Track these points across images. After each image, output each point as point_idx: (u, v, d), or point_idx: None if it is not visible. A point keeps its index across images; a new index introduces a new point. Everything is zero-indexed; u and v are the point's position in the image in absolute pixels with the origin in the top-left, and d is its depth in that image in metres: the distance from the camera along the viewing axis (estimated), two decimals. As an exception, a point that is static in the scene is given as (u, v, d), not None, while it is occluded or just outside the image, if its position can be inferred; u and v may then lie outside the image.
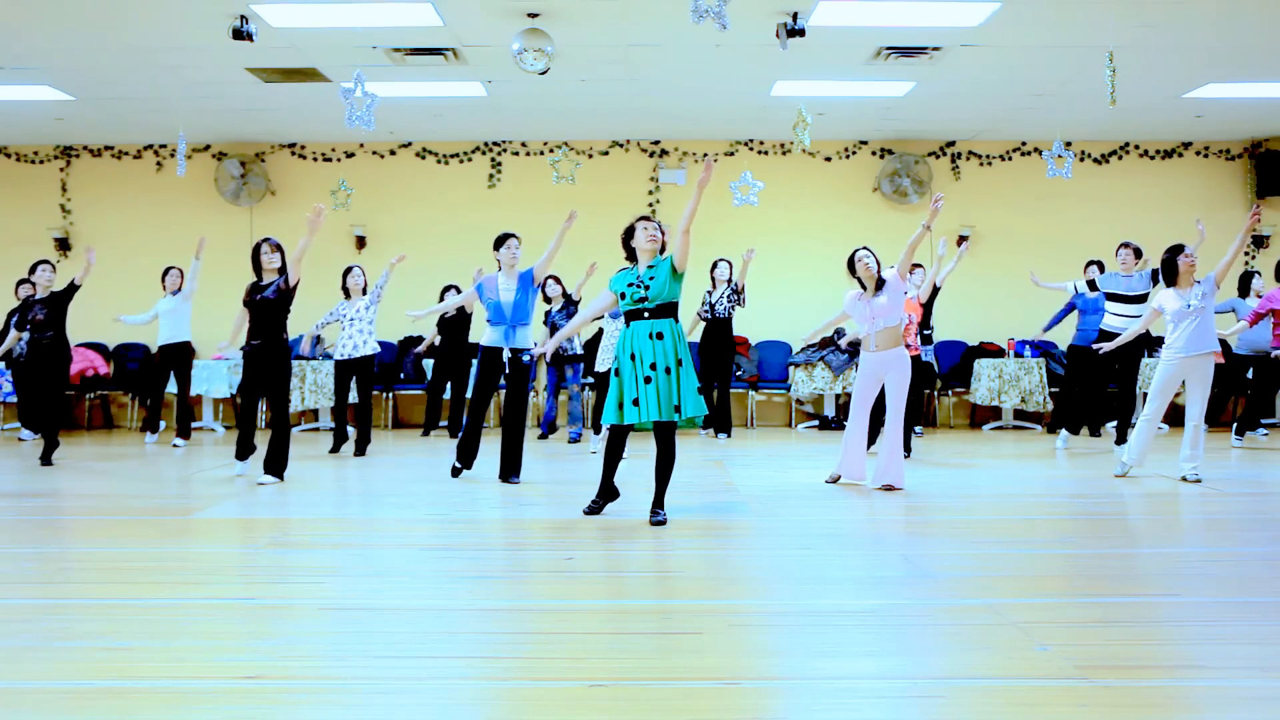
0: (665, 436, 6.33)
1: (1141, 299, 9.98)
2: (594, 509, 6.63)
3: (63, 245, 13.51)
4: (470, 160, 13.64)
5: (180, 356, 11.22)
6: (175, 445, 10.94)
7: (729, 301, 11.60)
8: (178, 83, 10.60)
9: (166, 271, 11.32)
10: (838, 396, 13.13)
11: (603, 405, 10.57)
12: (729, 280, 11.72)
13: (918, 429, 11.51)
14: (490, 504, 7.34)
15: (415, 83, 10.62)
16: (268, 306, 8.16)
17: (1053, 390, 12.88)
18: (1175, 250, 8.08)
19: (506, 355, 8.03)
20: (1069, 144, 13.25)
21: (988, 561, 5.44)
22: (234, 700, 3.38)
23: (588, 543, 5.96)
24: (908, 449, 9.33)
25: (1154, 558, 5.65)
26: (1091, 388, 10.83)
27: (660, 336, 6.23)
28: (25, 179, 13.60)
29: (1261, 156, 13.43)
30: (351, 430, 10.99)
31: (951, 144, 13.62)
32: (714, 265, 11.76)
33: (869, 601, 4.63)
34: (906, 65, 10.16)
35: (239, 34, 8.38)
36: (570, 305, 11.29)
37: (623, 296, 6.33)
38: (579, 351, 11.55)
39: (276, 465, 8.18)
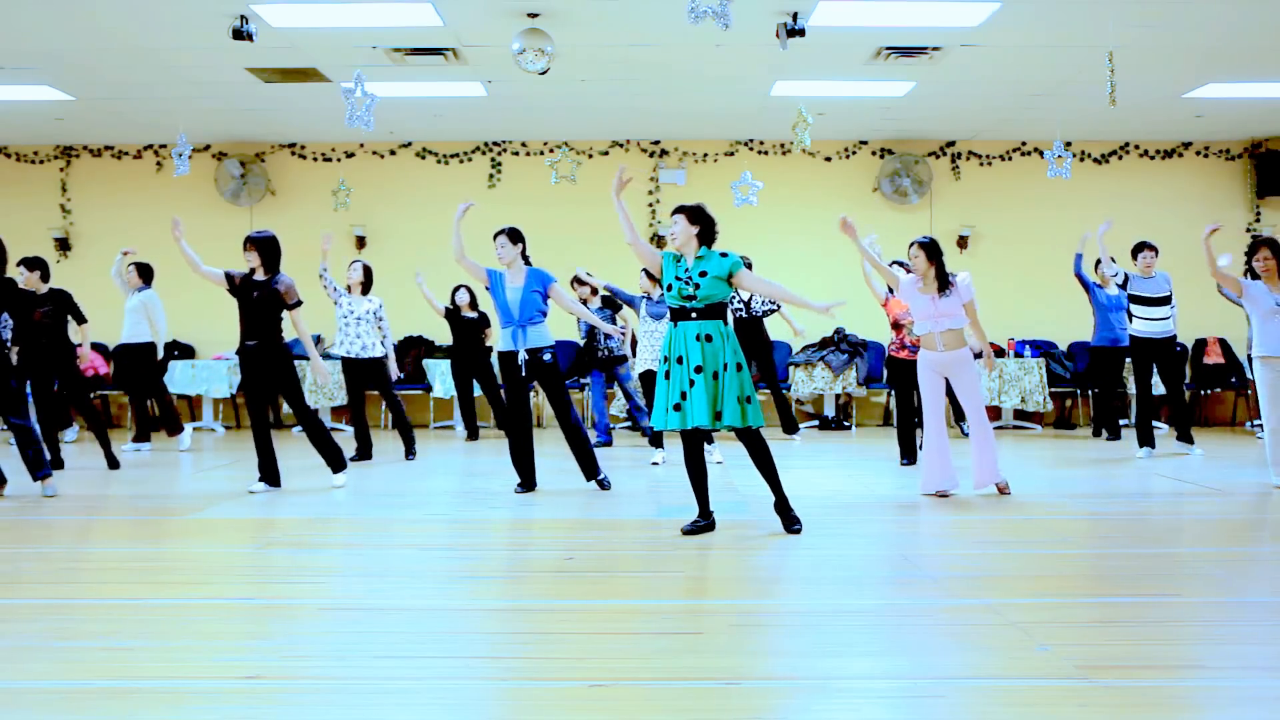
0: (748, 437, 5.91)
1: (1165, 300, 9.67)
2: (694, 529, 6.01)
3: (63, 245, 13.51)
4: (470, 160, 13.64)
5: (137, 357, 10.76)
6: (138, 450, 10.66)
7: (764, 301, 11.11)
8: (178, 83, 10.60)
9: (126, 268, 10.89)
10: (838, 397, 13.13)
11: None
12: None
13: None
14: (492, 504, 7.33)
15: (415, 83, 10.62)
16: (258, 305, 7.72)
17: (1053, 390, 12.88)
18: (1254, 247, 7.68)
19: (523, 358, 7.49)
20: (1069, 144, 13.25)
21: (988, 561, 5.45)
22: (234, 700, 3.38)
23: (588, 543, 5.96)
24: (912, 455, 9.12)
25: (1154, 558, 5.64)
26: (1111, 389, 10.60)
27: (709, 339, 5.81)
28: (25, 179, 13.60)
29: (1261, 156, 13.43)
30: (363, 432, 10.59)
31: (951, 144, 13.62)
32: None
33: (869, 601, 4.63)
34: (906, 65, 10.16)
35: (239, 34, 8.38)
36: (608, 306, 10.55)
37: (669, 289, 5.91)
38: (624, 352, 10.74)
39: (335, 461, 7.94)
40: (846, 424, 13.01)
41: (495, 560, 5.69)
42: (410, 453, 9.90)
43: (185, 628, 4.27)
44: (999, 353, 13.08)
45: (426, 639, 4.11)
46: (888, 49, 9.67)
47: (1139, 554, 5.78)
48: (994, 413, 13.23)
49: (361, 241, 13.52)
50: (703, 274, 5.82)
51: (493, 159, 13.63)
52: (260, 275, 7.75)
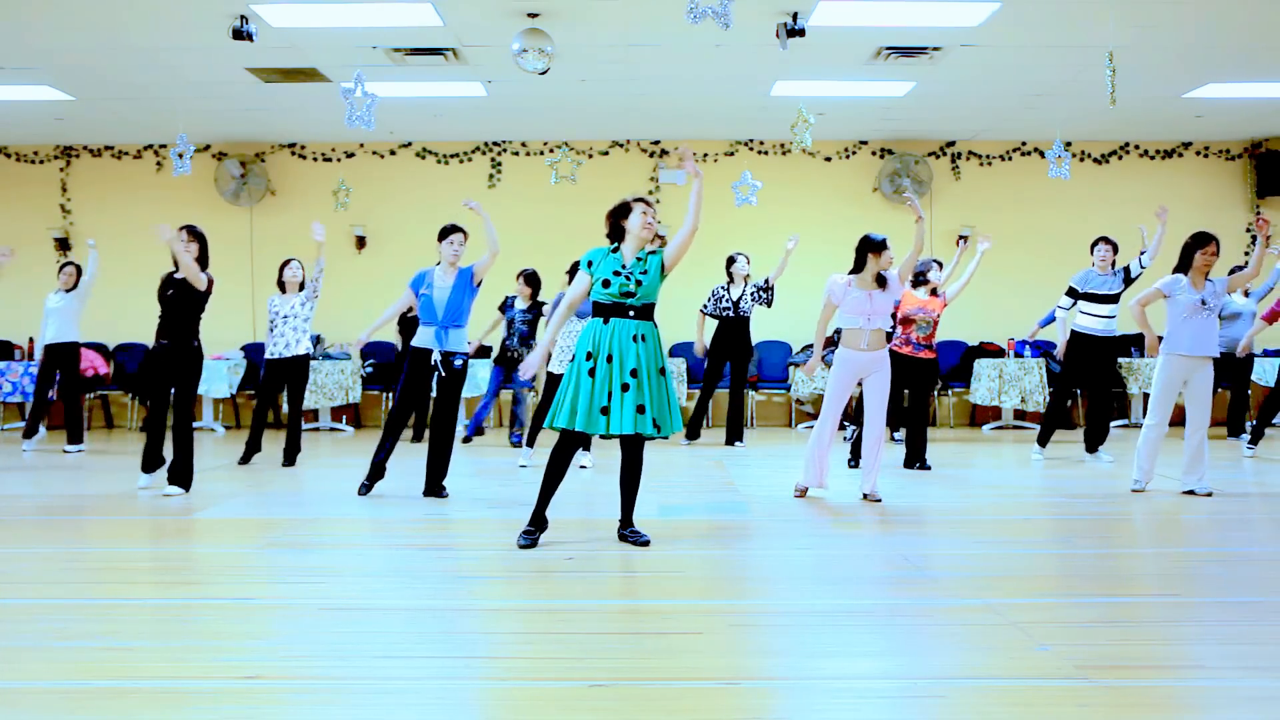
0: (636, 448, 5.72)
1: (1116, 299, 9.38)
2: (531, 542, 5.70)
3: (63, 245, 13.51)
4: (470, 160, 13.64)
5: (68, 357, 10.62)
6: (66, 451, 10.45)
7: (754, 300, 10.80)
8: (178, 83, 10.60)
9: (62, 268, 10.83)
10: (838, 396, 13.12)
11: (546, 409, 8.34)
12: (747, 276, 10.85)
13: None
14: (489, 504, 7.33)
15: (415, 83, 10.62)
16: (171, 303, 7.47)
17: (1052, 390, 12.86)
18: (1200, 240, 7.50)
19: (436, 358, 7.35)
20: (1069, 144, 13.24)
21: (988, 561, 5.45)
22: (234, 700, 3.38)
23: (588, 543, 5.96)
24: (923, 460, 8.92)
25: (1154, 558, 5.64)
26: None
27: (643, 339, 5.56)
28: (25, 179, 13.60)
29: (1261, 156, 13.43)
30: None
31: (951, 144, 13.62)
32: (731, 260, 10.82)
33: (869, 601, 4.63)
34: (906, 65, 10.16)
35: (239, 34, 8.38)
36: (538, 307, 10.51)
37: (605, 284, 5.59)
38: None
39: (182, 475, 7.55)
40: (846, 424, 13.00)
41: (495, 560, 5.69)
42: (289, 461, 9.35)
43: (185, 628, 4.27)
44: (999, 352, 13.07)
45: (426, 639, 4.11)
46: (888, 49, 9.67)
47: (1139, 554, 5.78)
48: (994, 413, 13.23)
49: (361, 241, 13.52)
50: (644, 272, 5.61)
51: (493, 159, 13.63)
52: (181, 273, 7.47)
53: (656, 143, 13.57)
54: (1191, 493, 7.46)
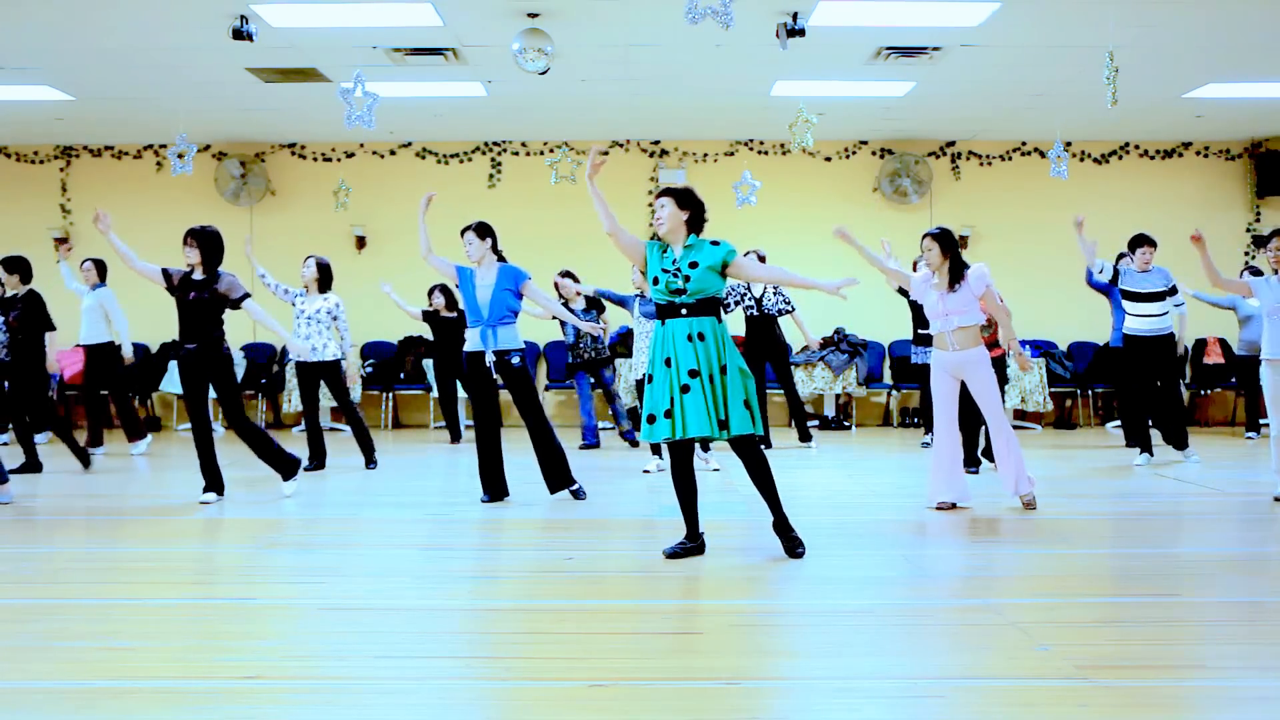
0: (747, 450, 5.36)
1: (1160, 296, 9.05)
2: (680, 552, 5.45)
3: (63, 245, 13.50)
4: (470, 160, 13.63)
5: (105, 358, 10.35)
6: (93, 453, 10.03)
7: (777, 297, 10.62)
8: (178, 83, 10.59)
9: (81, 264, 10.65)
10: (838, 397, 13.13)
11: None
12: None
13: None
14: (492, 504, 7.32)
15: (415, 83, 10.62)
16: (196, 307, 7.30)
17: (1053, 390, 12.88)
18: (1267, 239, 7.17)
19: (490, 360, 7.06)
20: (1069, 144, 13.23)
21: (988, 561, 5.45)
22: (234, 700, 3.38)
23: (588, 543, 5.96)
24: (977, 461, 8.49)
25: (1154, 558, 5.64)
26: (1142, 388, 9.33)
27: (701, 338, 5.23)
28: (25, 179, 13.59)
29: (1261, 156, 13.43)
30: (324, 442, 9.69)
31: (951, 144, 13.61)
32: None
33: (869, 601, 4.62)
34: (906, 65, 10.16)
35: (239, 34, 8.38)
36: (593, 308, 10.48)
37: (655, 281, 5.34)
38: (606, 354, 10.64)
39: (284, 468, 7.47)
40: (846, 424, 13.02)
41: (495, 560, 5.69)
42: (370, 462, 9.22)
43: (185, 628, 4.28)
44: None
45: (426, 639, 4.11)
46: (888, 49, 9.67)
47: (1139, 554, 5.78)
48: (994, 413, 13.23)
49: (361, 241, 13.52)
50: (693, 265, 5.26)
51: (493, 159, 13.63)
52: (199, 274, 7.36)
53: (656, 143, 13.57)
54: None
